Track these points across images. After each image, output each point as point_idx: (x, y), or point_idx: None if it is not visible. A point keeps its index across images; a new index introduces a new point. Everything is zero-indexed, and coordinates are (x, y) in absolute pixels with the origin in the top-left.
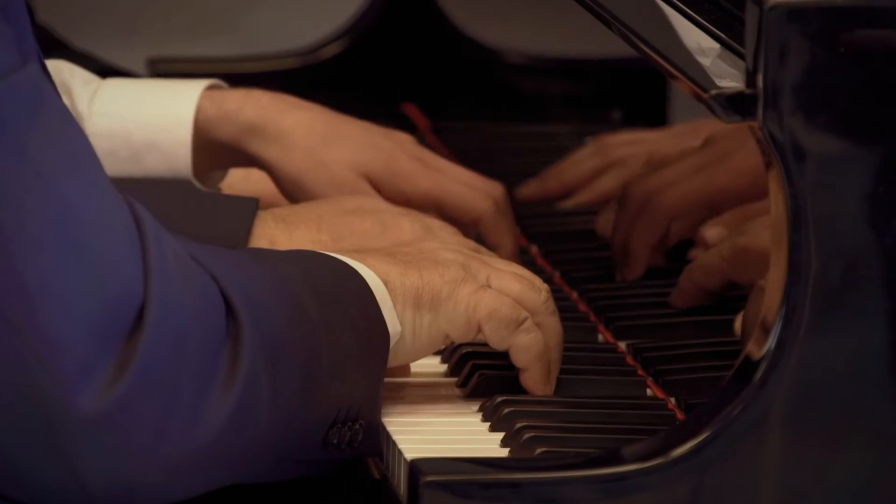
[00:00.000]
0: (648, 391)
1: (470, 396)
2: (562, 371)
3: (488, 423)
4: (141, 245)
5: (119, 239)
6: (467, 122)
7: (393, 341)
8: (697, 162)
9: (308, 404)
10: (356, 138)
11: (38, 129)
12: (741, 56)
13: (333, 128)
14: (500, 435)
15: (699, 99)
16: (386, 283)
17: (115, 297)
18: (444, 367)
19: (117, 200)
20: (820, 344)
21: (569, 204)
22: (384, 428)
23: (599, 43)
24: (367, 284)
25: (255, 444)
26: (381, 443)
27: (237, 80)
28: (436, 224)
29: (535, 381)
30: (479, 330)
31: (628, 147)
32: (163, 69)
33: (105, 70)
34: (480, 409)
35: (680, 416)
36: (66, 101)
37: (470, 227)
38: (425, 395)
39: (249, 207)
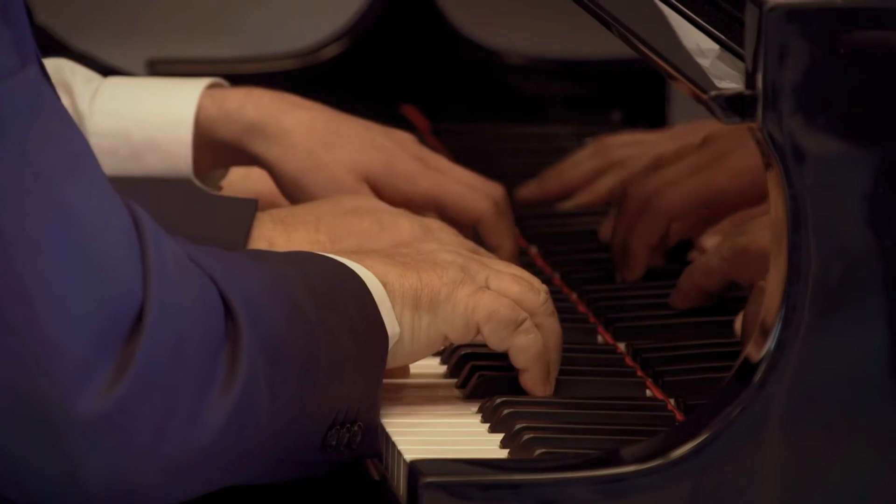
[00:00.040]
0: (648, 392)
1: (469, 397)
2: (561, 372)
3: (488, 424)
4: (140, 247)
5: (118, 241)
6: (467, 124)
7: (391, 343)
8: (696, 162)
9: (307, 406)
10: (357, 138)
11: (38, 132)
12: (741, 57)
13: (334, 128)
14: (500, 436)
15: (699, 100)
16: (385, 285)
17: (114, 298)
18: (443, 368)
19: (116, 202)
20: (819, 345)
21: (568, 205)
22: (384, 429)
23: (599, 44)
24: (366, 286)
25: (254, 446)
26: (380, 444)
27: (237, 81)
28: (435, 225)
29: (535, 381)
30: (478, 331)
31: (628, 148)
32: (162, 70)
33: (104, 71)
34: (480, 410)
35: (679, 417)
36: (66, 99)
37: (469, 228)
38: (425, 396)
39: (248, 209)
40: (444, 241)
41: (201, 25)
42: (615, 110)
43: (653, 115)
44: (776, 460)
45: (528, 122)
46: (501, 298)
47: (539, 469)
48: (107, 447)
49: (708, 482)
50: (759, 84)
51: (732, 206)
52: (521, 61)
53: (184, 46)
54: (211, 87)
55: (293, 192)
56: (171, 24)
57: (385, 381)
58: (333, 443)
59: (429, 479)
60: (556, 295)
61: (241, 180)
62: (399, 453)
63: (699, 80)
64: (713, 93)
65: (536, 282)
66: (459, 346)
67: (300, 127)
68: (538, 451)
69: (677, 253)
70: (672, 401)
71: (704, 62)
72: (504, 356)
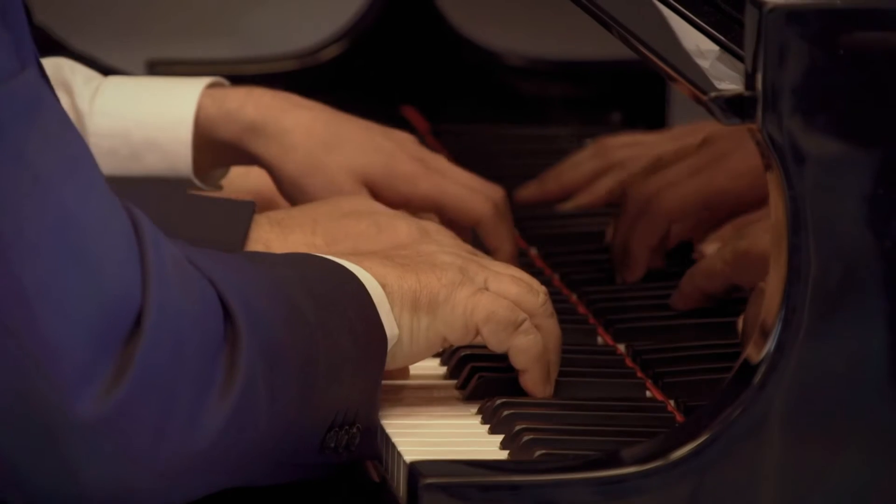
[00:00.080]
0: (648, 393)
1: (469, 399)
2: (561, 373)
3: (488, 426)
4: (139, 249)
5: (117, 244)
6: (467, 125)
7: (390, 345)
8: (696, 163)
9: (306, 408)
10: (356, 140)
11: (37, 134)
12: (740, 58)
13: (334, 128)
14: (500, 437)
15: (698, 101)
16: (384, 287)
17: (113, 301)
18: (443, 370)
19: (115, 205)
20: (819, 346)
21: (568, 206)
22: (383, 430)
23: (599, 45)
24: (365, 287)
25: (252, 449)
26: (378, 446)
27: (237, 81)
28: (432, 227)
29: (535, 382)
30: (477, 333)
31: (628, 149)
32: (162, 71)
33: (104, 72)
34: (480, 412)
35: (679, 418)
36: (66, 99)
37: (469, 230)
38: (424, 397)
39: (245, 211)
40: (441, 244)
41: (201, 26)
42: (615, 111)
43: (652, 117)
44: (776, 461)
45: (528, 124)
46: (500, 300)
47: (539, 470)
48: (106, 450)
49: (708, 483)
50: (759, 85)
51: (732, 208)
52: (520, 62)
53: (183, 47)
54: (211, 86)
55: (292, 193)
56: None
57: (385, 382)
58: (332, 445)
59: (429, 481)
60: (555, 296)
61: (241, 178)
62: (399, 454)
63: (699, 82)
64: (713, 94)
65: (535, 283)
66: (459, 348)
67: (300, 127)
68: (538, 453)
69: (677, 254)
70: (672, 402)
71: (704, 63)
72: (504, 357)
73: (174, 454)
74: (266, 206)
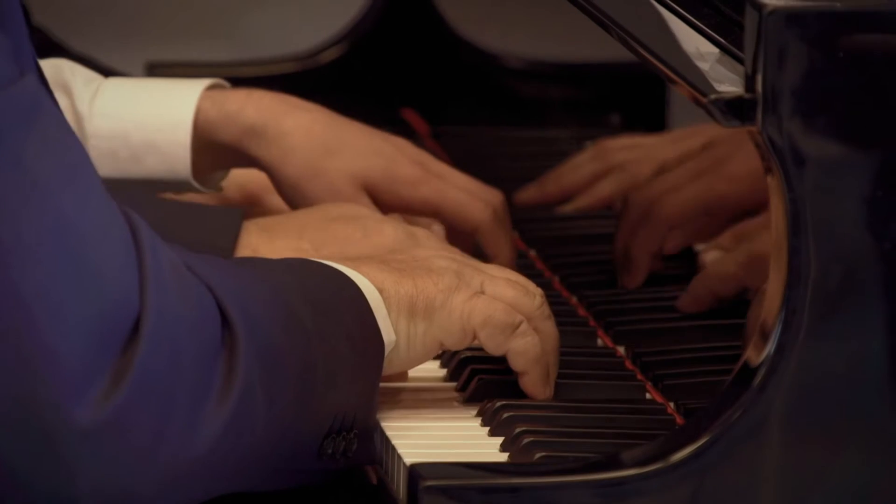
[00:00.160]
0: (648, 396)
1: (469, 401)
2: (561, 375)
3: (487, 428)
4: (137, 255)
5: (115, 249)
6: (466, 127)
7: (387, 350)
8: (696, 168)
9: (304, 414)
10: (357, 143)
11: (35, 140)
12: (740, 60)
13: (334, 132)
14: (500, 439)
15: (698, 103)
16: (381, 292)
17: (111, 307)
18: (443, 372)
19: (114, 211)
20: (819, 348)
21: (568, 208)
22: (383, 432)
23: (598, 47)
24: (362, 293)
25: (250, 454)
26: (375, 451)
27: (236, 84)
28: (419, 231)
29: (534, 384)
30: (475, 337)
31: (627, 151)
32: (161, 73)
33: (103, 73)
34: (479, 414)
35: (679, 420)
36: (66, 100)
37: (468, 236)
38: (424, 399)
39: (235, 218)
40: (430, 248)
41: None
42: (614, 114)
43: (652, 119)
44: (776, 463)
45: (528, 126)
46: (497, 303)
47: (539, 473)
48: (104, 455)
49: (708, 485)
50: (759, 87)
51: (734, 212)
52: (520, 65)
53: (183, 49)
54: (211, 88)
55: (292, 196)
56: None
57: (385, 384)
58: (330, 451)
59: (429, 483)
60: (555, 298)
61: (243, 172)
62: (399, 457)
63: (699, 84)
64: (713, 96)
65: (531, 285)
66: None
67: (300, 130)
68: (538, 455)
69: (676, 256)
70: (672, 404)
71: (704, 65)
72: (504, 359)
73: (172, 459)
74: (251, 202)
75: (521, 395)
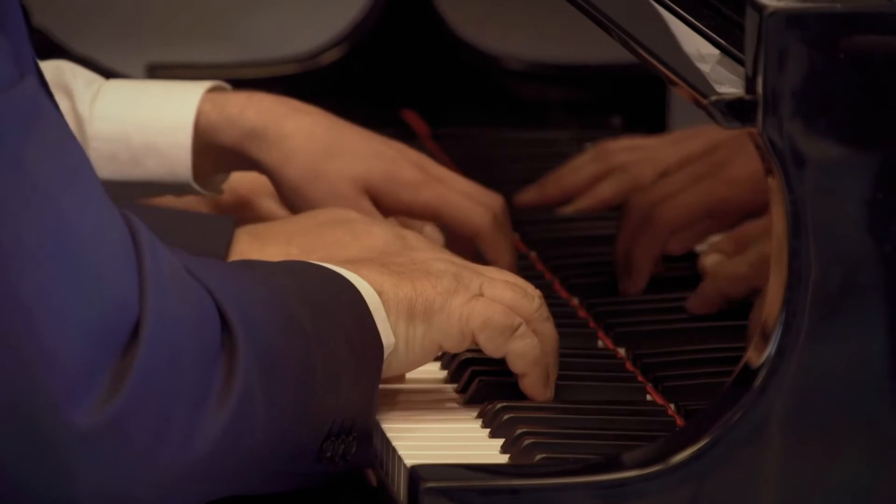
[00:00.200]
0: (648, 397)
1: (470, 402)
2: (561, 377)
3: (488, 430)
4: (137, 258)
5: (115, 252)
6: (467, 129)
7: (386, 353)
8: (696, 171)
9: (303, 417)
10: (357, 147)
11: (35, 143)
12: (741, 62)
13: (335, 135)
14: (500, 441)
15: (699, 105)
16: (380, 295)
17: (111, 310)
18: (443, 374)
19: (113, 214)
20: (820, 349)
21: (568, 210)
22: (384, 434)
23: (599, 49)
24: (361, 295)
25: (250, 457)
26: (374, 455)
27: (237, 85)
28: (410, 234)
29: (534, 385)
30: (474, 340)
31: (628, 153)
32: (162, 75)
33: (104, 74)
34: (480, 416)
35: (680, 422)
36: (66, 102)
37: (468, 241)
38: (425, 401)
39: (227, 225)
40: (420, 250)
41: (201, 30)
42: (615, 115)
43: (653, 120)
44: (776, 465)
45: (528, 127)
46: (495, 305)
47: (539, 474)
48: (103, 459)
49: (708, 487)
50: (760, 89)
51: (736, 214)
52: (520, 66)
53: (183, 50)
54: (212, 90)
55: (294, 200)
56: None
57: (385, 386)
58: (329, 454)
59: (429, 485)
60: (556, 300)
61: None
62: (399, 458)
63: (699, 85)
64: (713, 98)
65: (530, 287)
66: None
67: (301, 133)
68: (538, 457)
69: (676, 258)
70: (672, 406)
71: (704, 67)
72: (504, 361)
73: (172, 462)
74: (242, 205)
75: (522, 396)
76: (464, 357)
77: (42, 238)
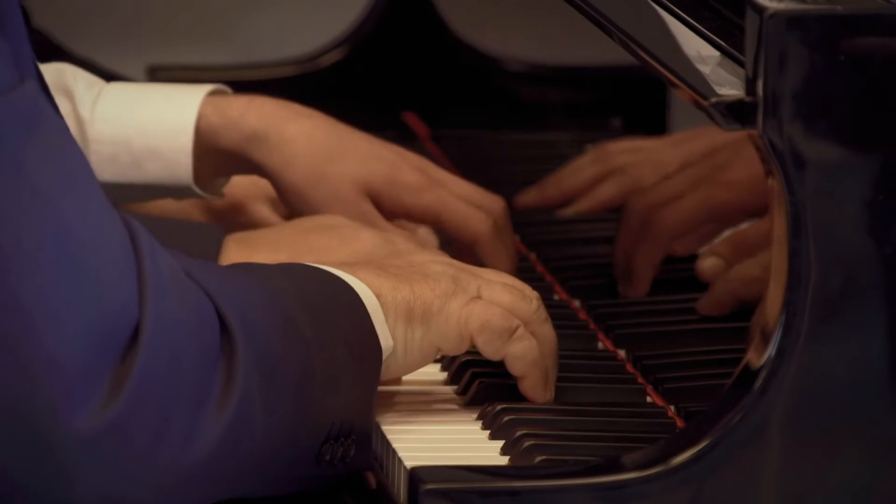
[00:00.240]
0: (648, 399)
1: (470, 404)
2: (561, 379)
3: (488, 431)
4: (136, 262)
5: (115, 256)
6: (467, 130)
7: (385, 356)
8: (696, 175)
9: (302, 420)
10: (359, 150)
11: (35, 147)
12: (741, 64)
13: (336, 138)
14: (500, 443)
15: (699, 107)
16: (378, 297)
17: (110, 315)
18: (443, 375)
19: (113, 217)
20: (820, 351)
21: (568, 212)
22: (384, 436)
23: (599, 51)
24: (360, 298)
25: (249, 460)
26: (374, 456)
27: (236, 87)
28: (397, 238)
29: (533, 387)
30: (472, 342)
31: (628, 155)
32: (162, 77)
33: (104, 76)
34: (480, 417)
35: (680, 423)
36: (67, 105)
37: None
38: (425, 402)
39: (216, 233)
40: (423, 253)
41: (201, 31)
42: (615, 117)
43: (653, 122)
44: (776, 466)
45: (528, 129)
46: (493, 308)
47: (539, 476)
48: (103, 463)
49: (708, 489)
50: (760, 91)
51: (736, 216)
52: (521, 68)
53: (183, 52)
54: (212, 94)
55: (295, 203)
56: (170, 30)
57: (385, 388)
58: (328, 457)
59: (429, 486)
60: (556, 302)
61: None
62: (399, 460)
63: (699, 87)
64: (713, 99)
65: (528, 289)
66: None
67: (302, 136)
68: (538, 458)
69: (677, 259)
70: (672, 407)
71: (705, 69)
72: (504, 363)
73: (171, 466)
74: (236, 209)
75: (522, 398)
76: (464, 358)
77: (42, 242)
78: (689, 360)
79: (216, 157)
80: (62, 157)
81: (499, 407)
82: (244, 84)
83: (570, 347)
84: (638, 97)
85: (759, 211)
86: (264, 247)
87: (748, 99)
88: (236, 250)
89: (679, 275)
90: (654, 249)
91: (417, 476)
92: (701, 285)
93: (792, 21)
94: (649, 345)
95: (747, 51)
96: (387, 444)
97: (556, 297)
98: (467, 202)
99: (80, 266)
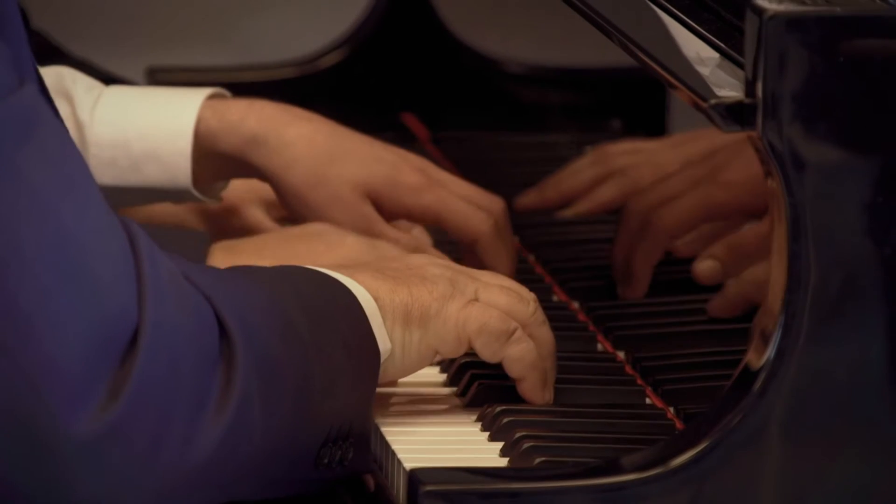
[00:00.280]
0: (648, 400)
1: (469, 406)
2: (561, 380)
3: (488, 433)
4: (135, 265)
5: (114, 260)
6: (467, 132)
7: (383, 358)
8: (694, 176)
9: (301, 423)
10: (359, 151)
11: (35, 151)
12: (740, 65)
13: (336, 141)
14: (500, 444)
15: (698, 108)
16: (376, 300)
17: (109, 319)
18: (443, 377)
19: (112, 221)
20: (819, 352)
21: (568, 213)
22: (383, 437)
23: (599, 52)
24: (358, 301)
25: (248, 464)
26: (372, 459)
27: (236, 89)
28: (382, 243)
29: (532, 389)
30: (470, 345)
31: (628, 156)
32: (161, 79)
33: (102, 78)
34: (480, 419)
35: (679, 425)
36: (67, 108)
37: (468, 246)
38: (424, 404)
39: (201, 242)
40: (419, 255)
41: (200, 33)
42: (615, 119)
43: (653, 124)
44: (776, 468)
45: (528, 131)
46: (491, 310)
47: (539, 477)
48: (101, 467)
49: (708, 490)
50: (759, 92)
51: (736, 218)
52: (520, 70)
53: (182, 54)
54: (212, 97)
55: (296, 206)
56: (170, 32)
57: (385, 389)
58: (326, 460)
59: (429, 488)
60: (555, 303)
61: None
62: (399, 461)
63: (699, 89)
64: (713, 101)
65: (525, 291)
66: None
67: (302, 140)
68: (538, 460)
69: (676, 260)
70: (672, 409)
71: (704, 70)
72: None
73: (170, 470)
74: (230, 213)
75: (521, 400)
76: (463, 360)
77: (41, 246)
78: (689, 362)
79: (215, 160)
80: (61, 160)
81: (498, 408)
82: (244, 85)
83: (569, 349)
84: (637, 99)
85: (758, 212)
86: (249, 254)
87: (748, 100)
88: (221, 258)
89: (678, 276)
90: (652, 249)
91: (417, 477)
92: (701, 287)
93: (791, 23)
94: (649, 346)
95: (747, 52)
96: (386, 445)
97: (555, 298)
98: (468, 202)
99: (79, 269)
